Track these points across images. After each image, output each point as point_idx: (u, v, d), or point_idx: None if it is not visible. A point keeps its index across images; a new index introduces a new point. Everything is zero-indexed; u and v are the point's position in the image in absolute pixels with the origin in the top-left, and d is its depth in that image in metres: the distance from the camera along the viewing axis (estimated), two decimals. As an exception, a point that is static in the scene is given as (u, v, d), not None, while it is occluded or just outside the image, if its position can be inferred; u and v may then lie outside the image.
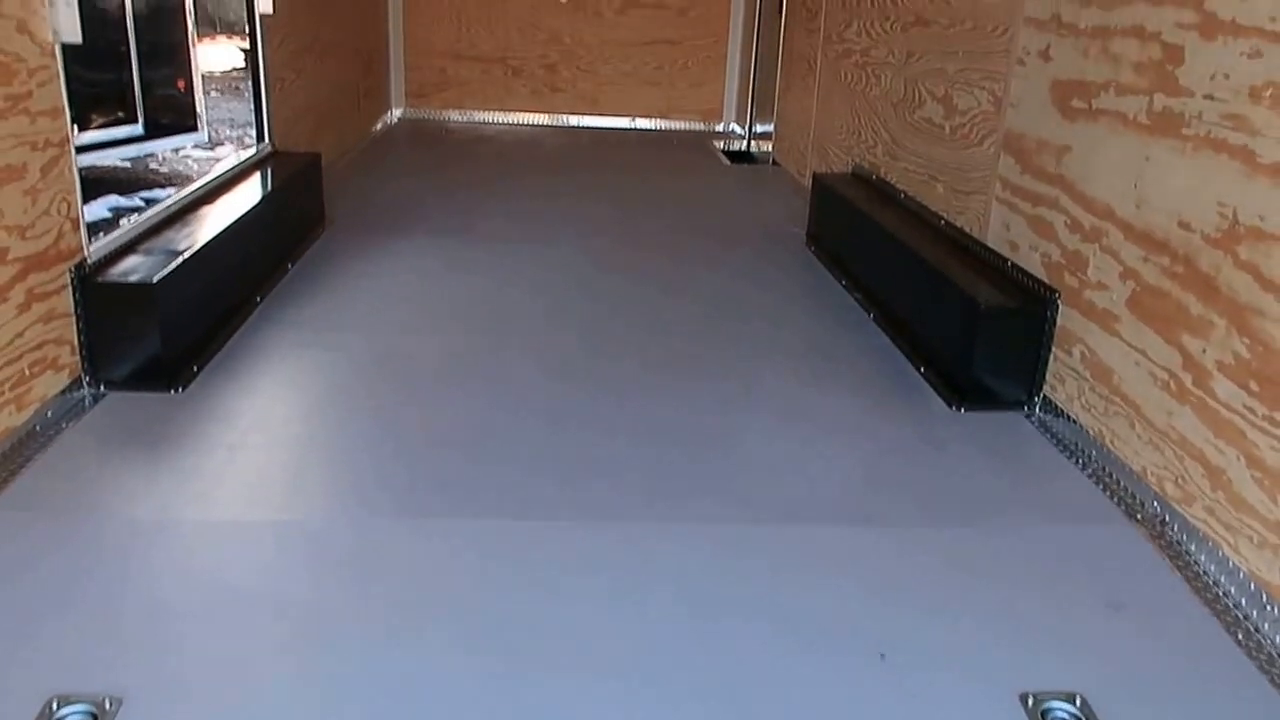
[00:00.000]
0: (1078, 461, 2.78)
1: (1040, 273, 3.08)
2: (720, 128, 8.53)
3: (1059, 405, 2.96)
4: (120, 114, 7.54)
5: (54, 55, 2.77)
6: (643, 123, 8.51)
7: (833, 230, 4.64)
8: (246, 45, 4.89)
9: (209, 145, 8.12)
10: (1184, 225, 2.38)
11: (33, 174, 2.66)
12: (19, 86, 2.59)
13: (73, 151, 2.87)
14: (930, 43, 4.06)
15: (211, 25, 13.79)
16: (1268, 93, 2.10)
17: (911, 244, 3.66)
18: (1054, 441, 2.90)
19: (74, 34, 2.80)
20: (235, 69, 11.53)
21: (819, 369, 3.40)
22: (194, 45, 7.86)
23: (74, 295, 2.85)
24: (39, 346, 2.68)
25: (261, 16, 4.76)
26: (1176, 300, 2.41)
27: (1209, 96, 2.29)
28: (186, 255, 3.14)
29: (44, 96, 2.71)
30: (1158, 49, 2.49)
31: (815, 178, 4.98)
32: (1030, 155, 3.17)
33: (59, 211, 2.79)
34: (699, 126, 8.52)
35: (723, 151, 7.65)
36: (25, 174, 2.62)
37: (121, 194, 6.85)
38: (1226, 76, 2.23)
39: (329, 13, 6.13)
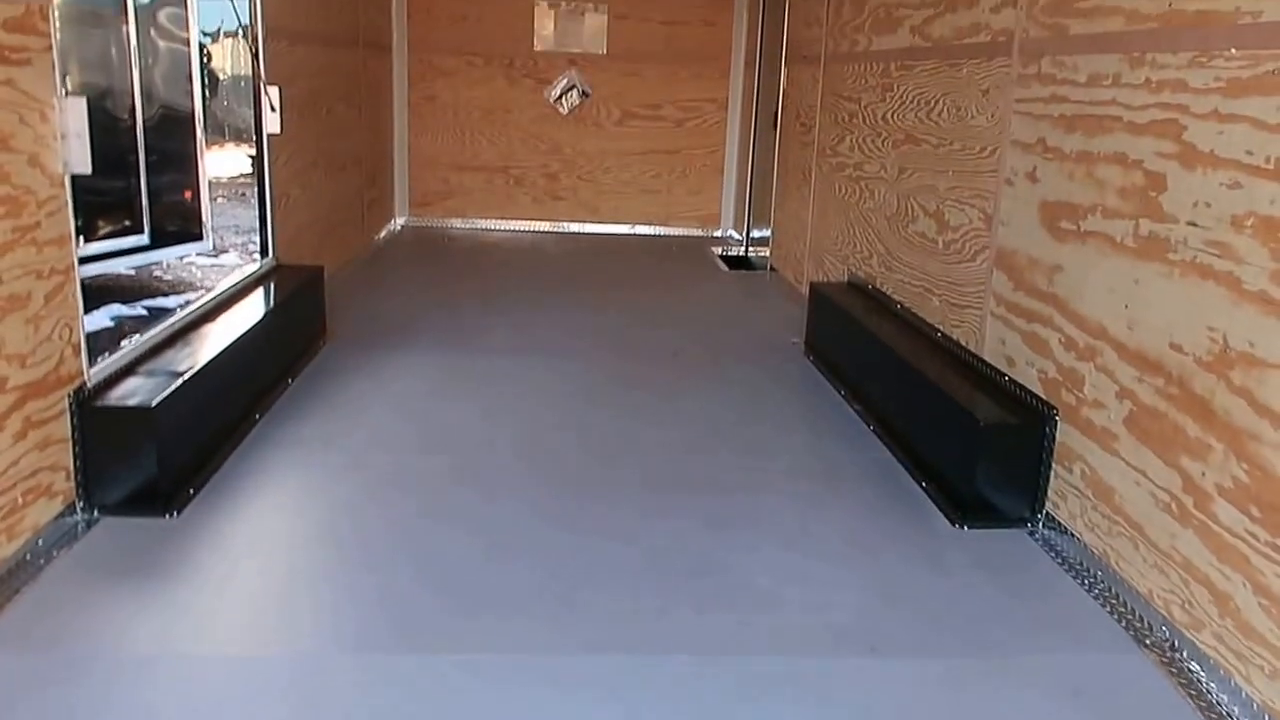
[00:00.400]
0: (1084, 582, 2.75)
1: (1038, 389, 3.10)
2: (718, 233, 8.66)
3: (1062, 523, 2.95)
4: (127, 222, 7.66)
5: (63, 185, 2.83)
6: (642, 229, 8.65)
7: (830, 340, 4.68)
8: (254, 151, 5.00)
9: (214, 253, 8.24)
10: (1176, 347, 2.40)
11: (36, 302, 2.69)
12: (28, 218, 2.64)
13: (77, 277, 2.92)
14: (921, 160, 4.15)
15: (220, 133, 14.12)
16: (1249, 222, 2.14)
17: (909, 357, 3.69)
18: (1059, 560, 2.87)
19: (84, 166, 2.88)
20: (242, 174, 11.77)
21: (820, 486, 3.39)
22: (202, 154, 8.03)
23: (72, 420, 2.86)
24: (33, 474, 2.69)
25: (269, 136, 4.88)
26: (1173, 422, 2.41)
27: (1192, 223, 2.33)
28: (186, 376, 3.16)
29: (52, 225, 2.76)
30: (1140, 176, 2.54)
31: (812, 287, 5.04)
32: (1022, 272, 3.21)
33: (60, 337, 2.83)
34: (697, 232, 8.65)
35: (721, 257, 7.75)
36: (29, 302, 2.66)
37: (125, 302, 6.93)
38: (1209, 205, 2.27)
39: (335, 127, 6.28)
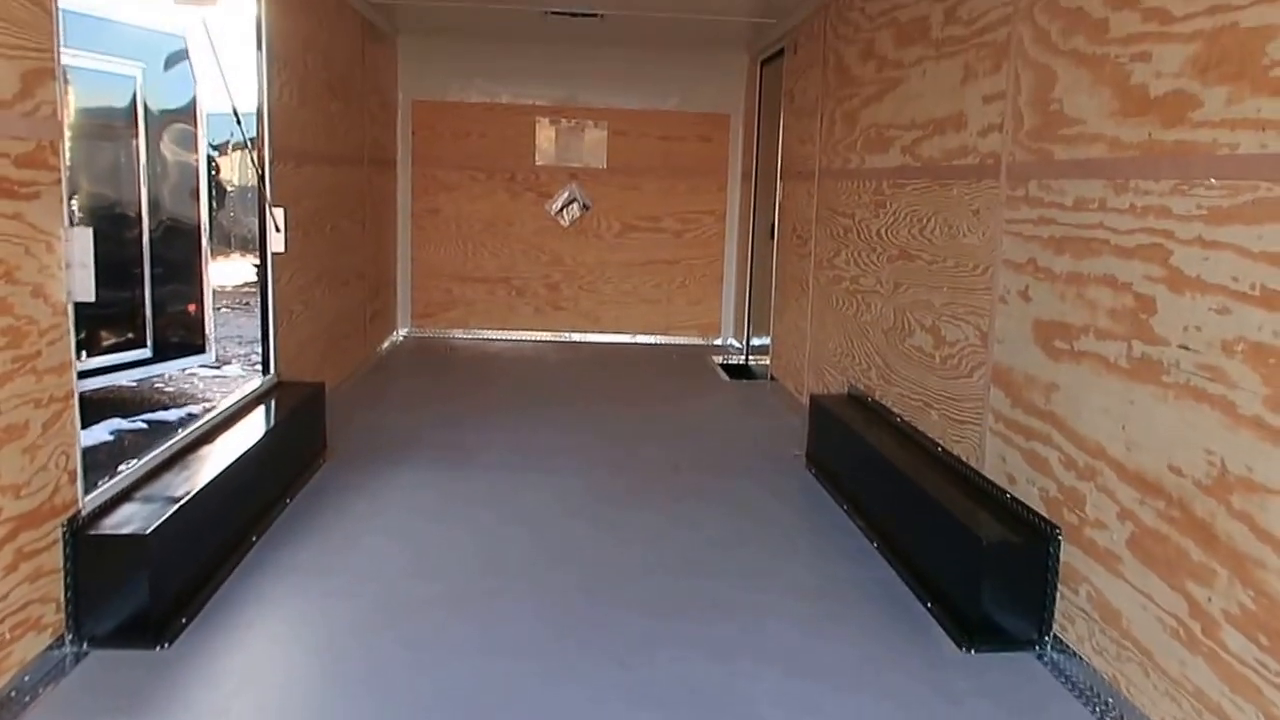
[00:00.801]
0: (1094, 709, 2.69)
1: (1040, 508, 3.08)
2: (718, 342, 8.72)
3: (1070, 646, 2.90)
4: (130, 335, 7.73)
5: (66, 314, 2.86)
6: (643, 338, 8.72)
7: (832, 453, 4.66)
8: (258, 262, 5.07)
9: (216, 364, 8.29)
10: (1175, 470, 2.39)
11: (34, 430, 2.70)
12: (29, 348, 2.67)
13: (76, 403, 2.93)
14: (916, 275, 4.20)
15: (226, 243, 14.33)
16: (1239, 348, 2.16)
17: (911, 473, 3.67)
18: (1069, 686, 2.82)
19: (88, 294, 2.92)
20: (247, 284, 11.90)
21: (824, 609, 3.34)
22: (207, 267, 8.14)
23: (64, 550, 2.84)
24: (23, 607, 2.66)
25: (274, 254, 4.95)
26: (1176, 545, 2.39)
27: (1184, 347, 2.35)
28: (183, 502, 3.15)
29: (52, 354, 2.79)
30: (1130, 298, 2.57)
31: (813, 399, 5.05)
32: (1020, 389, 3.22)
33: (57, 465, 2.83)
34: (698, 341, 8.72)
35: (721, 366, 7.79)
36: (27, 432, 2.67)
37: (125, 416, 6.95)
38: (1199, 329, 2.29)
39: (339, 243, 6.39)
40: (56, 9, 2.77)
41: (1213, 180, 2.24)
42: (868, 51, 4.93)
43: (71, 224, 2.88)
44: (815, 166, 5.88)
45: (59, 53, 2.78)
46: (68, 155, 2.87)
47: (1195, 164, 2.31)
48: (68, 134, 2.85)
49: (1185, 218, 2.34)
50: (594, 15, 6.77)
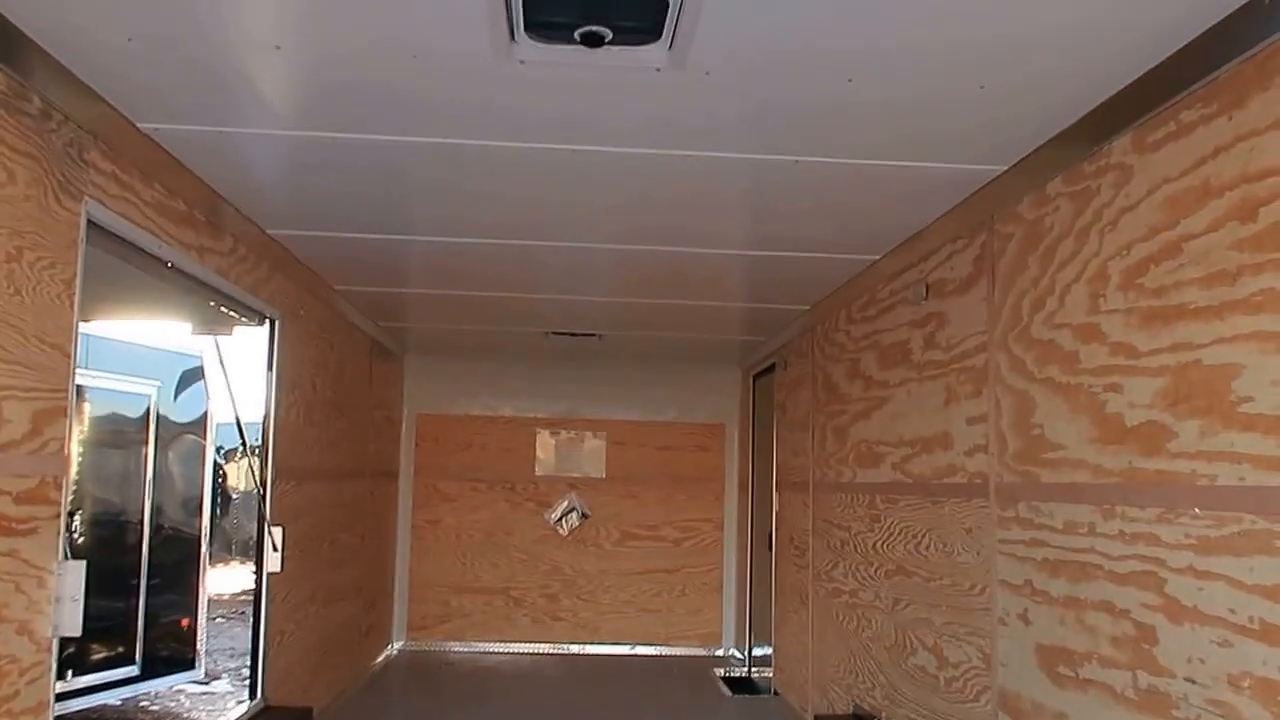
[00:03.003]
0: None
1: None
2: (720, 652, 8.45)
3: None
4: (120, 649, 7.48)
5: (50, 649, 2.79)
6: (643, 649, 8.45)
7: (840, 781, 4.40)
8: (255, 578, 4.99)
9: (205, 680, 7.98)
10: (1200, 814, 2.25)
11: (-1, 777, 2.56)
12: (7, 688, 2.57)
13: (49, 742, 2.79)
14: (914, 592, 4.13)
15: (228, 549, 14.16)
16: (1246, 683, 2.09)
17: (922, 808, 3.44)
18: None
19: (75, 629, 2.85)
20: (244, 592, 11.64)
21: None
22: (204, 580, 8.00)
23: None
24: None
25: (269, 574, 4.90)
26: None
27: (1190, 680, 2.27)
28: None
29: (31, 693, 2.69)
30: (1130, 625, 2.52)
31: (817, 720, 4.83)
32: (1028, 717, 3.08)
33: (20, 813, 2.65)
34: (699, 651, 8.45)
35: (723, 679, 7.50)
36: (-9, 778, 2.53)
37: (107, 737, 6.60)
38: (1203, 661, 2.23)
39: (337, 558, 6.33)
40: (74, 352, 2.89)
41: (1197, 510, 2.26)
42: (854, 370, 5.11)
43: (68, 554, 2.86)
44: (809, 478, 5.94)
45: (73, 389, 2.87)
46: (76, 464, 2.90)
47: (1178, 494, 2.33)
48: (78, 444, 2.89)
49: (1175, 546, 2.34)
50: (594, 335, 7.08)
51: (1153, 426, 2.46)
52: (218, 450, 7.81)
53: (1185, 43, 2.27)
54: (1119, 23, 2.20)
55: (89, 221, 2.88)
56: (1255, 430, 2.09)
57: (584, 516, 8.60)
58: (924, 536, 4.05)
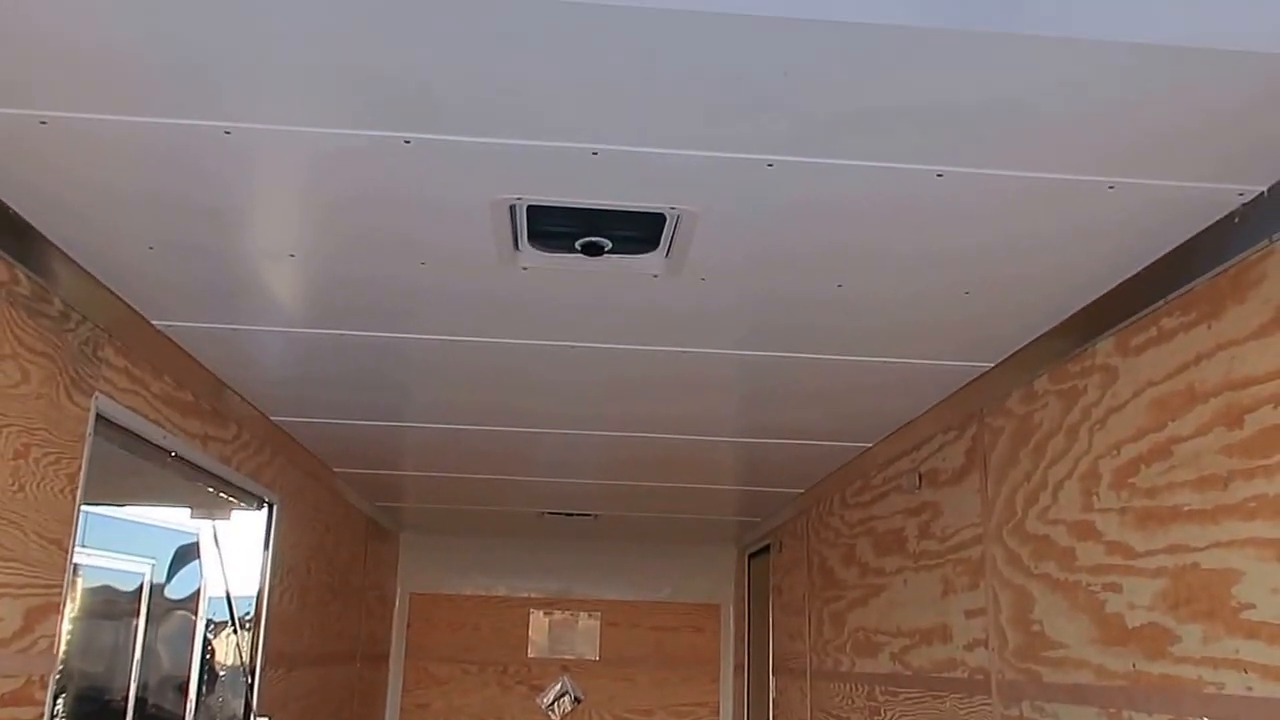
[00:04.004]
0: None
1: None
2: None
3: None
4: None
5: None
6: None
7: None
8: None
9: None
10: None
11: None
12: None
13: None
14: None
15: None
16: None
17: None
18: None
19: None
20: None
21: None
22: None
23: None
24: None
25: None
26: None
27: None
28: None
29: None
30: (1149, 841, 2.39)
31: None
32: None
33: None
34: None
35: None
36: None
37: None
38: None
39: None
40: (73, 545, 2.83)
41: (1206, 718, 2.18)
42: (850, 556, 5.04)
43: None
44: (806, 665, 5.77)
45: (68, 584, 2.80)
46: (65, 640, 2.79)
47: (1185, 700, 2.26)
48: (69, 619, 2.80)
49: (1187, 758, 2.25)
50: (588, 515, 7.00)
51: (1155, 629, 2.40)
52: (208, 625, 7.61)
53: (1162, 254, 2.34)
54: (1098, 233, 2.27)
55: (98, 415, 2.88)
56: (1259, 638, 2.04)
57: (577, 700, 8.29)
58: (927, 733, 3.90)
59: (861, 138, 1.89)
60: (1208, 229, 2.19)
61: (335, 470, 5.62)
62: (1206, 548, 2.23)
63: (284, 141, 1.96)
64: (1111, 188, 2.04)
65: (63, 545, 2.75)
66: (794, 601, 6.20)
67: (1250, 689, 2.05)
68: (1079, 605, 2.77)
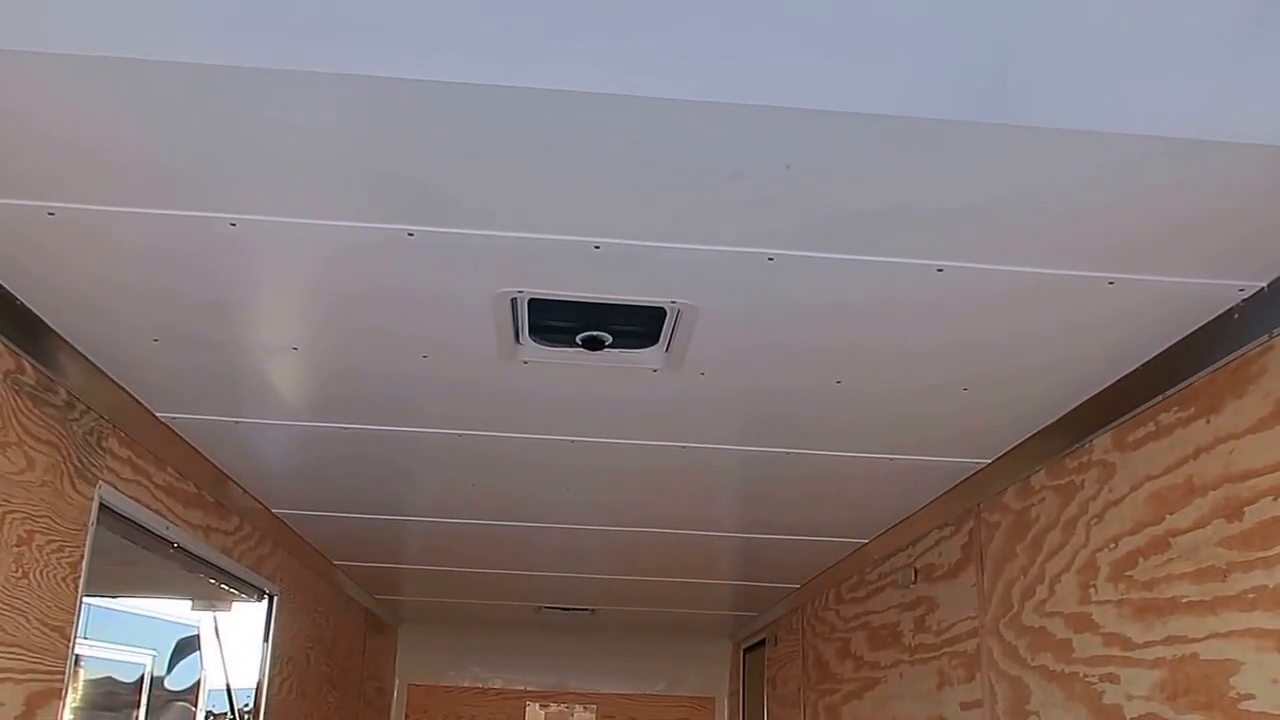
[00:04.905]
0: None
1: None
2: None
3: None
4: None
5: None
6: None
7: None
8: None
9: None
10: None
11: None
12: None
13: None
14: None
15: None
16: None
17: None
18: None
19: None
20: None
21: None
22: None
23: None
24: None
25: None
26: None
27: None
28: None
29: None
30: None
31: None
32: None
33: None
34: None
35: None
36: None
37: None
38: None
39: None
40: (74, 633, 2.70)
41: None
42: (844, 650, 4.85)
43: None
44: (806, 765, 5.51)
45: (70, 670, 2.67)
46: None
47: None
48: (70, 709, 2.64)
49: None
50: (585, 610, 6.80)
51: (1156, 722, 2.25)
52: (207, 716, 7.33)
53: (1161, 350, 2.27)
54: (1097, 329, 2.20)
55: (101, 505, 2.77)
56: (1265, 734, 1.90)
57: (572, 796, 7.93)
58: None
59: (863, 232, 1.83)
60: (1207, 324, 2.12)
61: (335, 563, 5.45)
62: (1205, 638, 2.12)
63: (288, 234, 1.90)
64: (1111, 283, 1.98)
65: (65, 633, 2.64)
66: (789, 694, 5.97)
67: (1264, 793, 1.91)
68: (1076, 696, 2.63)
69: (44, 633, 2.52)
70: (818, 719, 5.27)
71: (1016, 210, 1.73)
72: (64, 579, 2.61)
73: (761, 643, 6.92)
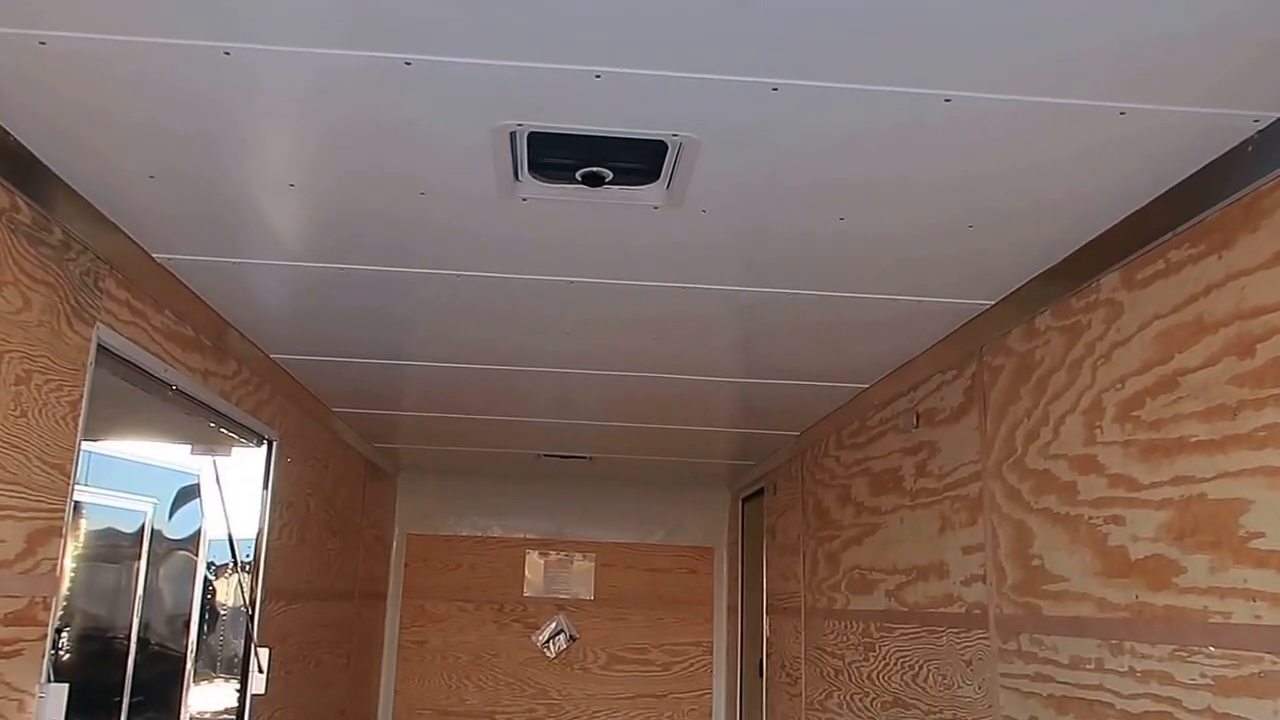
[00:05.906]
0: None
1: None
2: (709, 781, 8.11)
3: None
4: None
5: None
6: (631, 779, 8.11)
7: None
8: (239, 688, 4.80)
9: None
10: None
11: None
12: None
13: None
14: (913, 724, 3.97)
15: (212, 666, 13.66)
16: (1275, 834, 1.96)
17: None
18: None
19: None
20: (226, 709, 11.16)
21: None
22: (187, 695, 7.64)
23: None
24: None
25: (253, 696, 4.69)
26: None
27: (1213, 828, 2.14)
28: None
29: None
30: (1146, 768, 2.39)
31: None
32: None
33: None
34: (688, 781, 8.11)
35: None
36: None
37: None
38: (1225, 808, 2.10)
39: (322, 679, 6.08)
40: (74, 472, 2.80)
41: (1212, 648, 2.16)
42: (845, 496, 5.02)
43: (51, 676, 2.71)
44: (800, 604, 5.78)
45: (70, 509, 2.78)
46: (68, 580, 2.77)
47: (1190, 631, 2.24)
48: (71, 561, 2.78)
49: (1191, 686, 2.23)
50: (584, 458, 6.99)
51: (1159, 560, 2.37)
52: (209, 566, 7.61)
53: (1172, 185, 2.28)
54: (1105, 163, 2.20)
55: (99, 346, 2.83)
56: (1269, 567, 2.01)
57: (571, 639, 8.34)
58: (921, 667, 3.90)
59: (868, 60, 1.81)
60: (1221, 157, 2.13)
61: (334, 410, 5.57)
62: (1214, 478, 2.20)
63: (285, 63, 1.88)
64: (1123, 113, 1.97)
65: (65, 471, 2.71)
66: (788, 542, 6.21)
67: (1259, 617, 2.03)
68: (1080, 539, 2.74)
69: (44, 470, 2.59)
70: (817, 565, 5.50)
71: (1027, 36, 1.72)
72: (63, 418, 2.67)
73: (760, 491, 7.15)
